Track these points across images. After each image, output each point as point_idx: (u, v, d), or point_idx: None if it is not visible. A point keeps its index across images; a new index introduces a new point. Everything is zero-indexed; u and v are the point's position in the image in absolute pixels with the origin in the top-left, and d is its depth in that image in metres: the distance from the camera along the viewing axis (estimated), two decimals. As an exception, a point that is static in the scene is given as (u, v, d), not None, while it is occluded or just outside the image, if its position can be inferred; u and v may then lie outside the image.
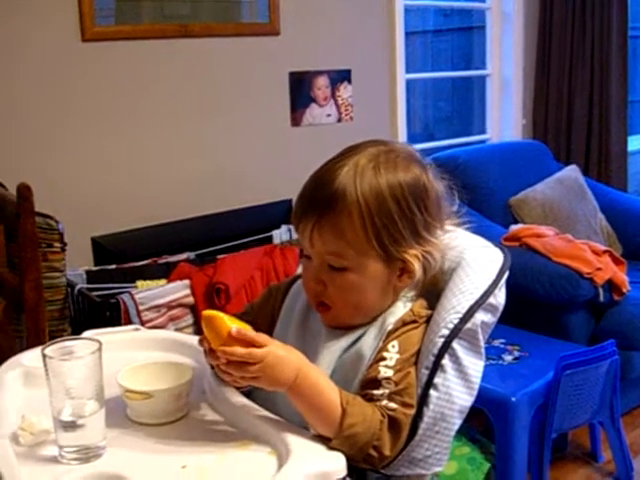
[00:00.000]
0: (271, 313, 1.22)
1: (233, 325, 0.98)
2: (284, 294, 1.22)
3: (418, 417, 1.06)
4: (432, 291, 1.22)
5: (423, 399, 1.07)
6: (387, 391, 1.04)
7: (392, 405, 1.04)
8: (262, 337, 0.99)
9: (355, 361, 1.09)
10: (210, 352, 1.01)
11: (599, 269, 2.80)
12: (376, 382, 1.05)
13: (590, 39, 4.19)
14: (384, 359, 1.07)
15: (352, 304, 1.10)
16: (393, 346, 1.08)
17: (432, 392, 1.08)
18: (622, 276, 2.88)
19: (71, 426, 1.01)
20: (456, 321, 1.09)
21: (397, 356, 1.07)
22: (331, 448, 1.00)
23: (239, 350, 0.97)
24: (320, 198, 1.07)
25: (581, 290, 2.76)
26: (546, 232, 3.08)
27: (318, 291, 1.10)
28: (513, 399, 2.20)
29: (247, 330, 0.99)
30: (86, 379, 1.01)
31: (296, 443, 0.99)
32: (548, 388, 2.26)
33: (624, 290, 2.84)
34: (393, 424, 1.03)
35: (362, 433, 1.00)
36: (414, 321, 1.12)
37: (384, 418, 1.02)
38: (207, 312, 1.00)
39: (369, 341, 1.10)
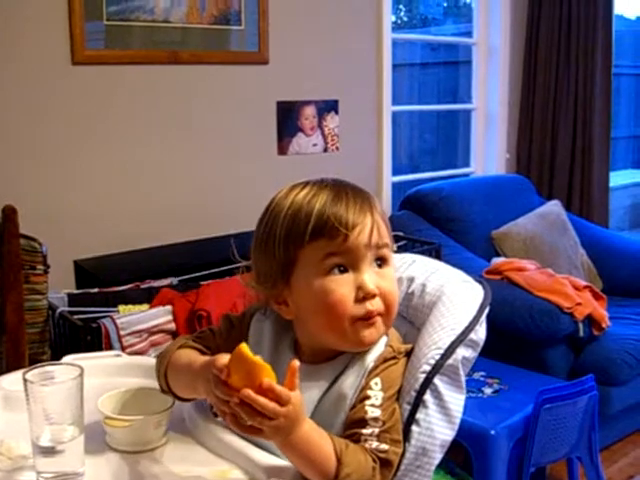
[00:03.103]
0: (236, 347, 1.13)
1: (266, 378, 0.93)
2: (247, 327, 1.19)
3: None
4: (412, 324, 1.23)
5: (405, 434, 1.07)
6: (376, 430, 1.03)
7: (383, 447, 1.02)
8: (286, 394, 0.93)
9: (337, 402, 1.08)
10: (223, 384, 0.95)
11: (579, 304, 2.82)
12: (363, 422, 1.04)
13: (574, 75, 4.25)
14: (369, 398, 1.05)
15: (396, 302, 1.11)
16: (376, 383, 1.07)
17: (414, 427, 1.08)
18: (602, 311, 2.90)
19: (50, 452, 1.00)
20: (437, 357, 1.10)
21: (382, 394, 1.06)
22: None
23: (264, 401, 0.92)
24: (365, 197, 1.10)
25: (561, 325, 2.78)
26: (527, 266, 3.11)
27: (373, 299, 1.06)
28: (492, 432, 2.21)
29: (276, 385, 0.93)
30: (66, 405, 1.00)
31: (275, 474, 0.99)
32: (527, 422, 2.27)
33: (604, 325, 2.86)
34: (385, 465, 1.02)
35: None
36: (394, 357, 1.11)
37: (376, 463, 1.01)
38: (247, 351, 0.94)
39: (350, 380, 1.08)
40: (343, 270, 1.06)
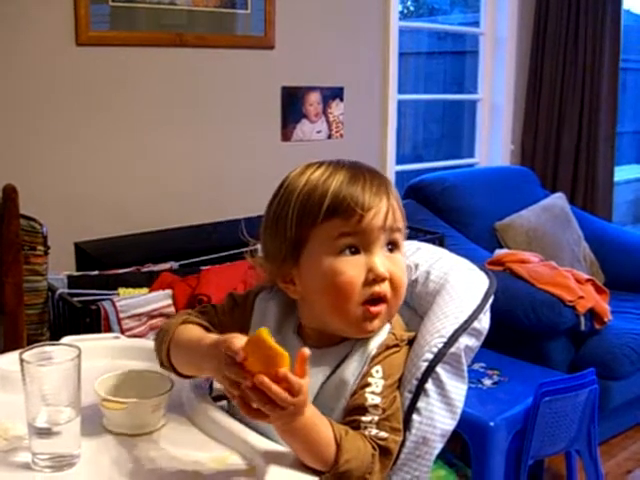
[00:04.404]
0: (239, 326, 1.13)
1: (283, 368, 0.91)
2: (251, 307, 1.18)
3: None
4: (415, 312, 1.22)
5: (406, 423, 1.06)
6: (376, 417, 1.02)
7: (383, 434, 1.02)
8: (298, 385, 0.92)
9: (338, 387, 1.07)
10: (238, 366, 0.92)
11: (581, 297, 2.81)
12: (363, 409, 1.03)
13: (582, 68, 4.23)
14: (369, 385, 1.04)
15: (404, 288, 1.09)
16: (377, 371, 1.06)
17: (415, 416, 1.07)
18: (604, 305, 2.89)
19: (46, 433, 0.99)
20: (440, 345, 1.08)
21: (382, 382, 1.05)
22: None
23: (278, 389, 0.90)
24: (382, 180, 1.08)
25: (563, 317, 2.77)
26: (530, 258, 3.09)
27: (383, 282, 1.05)
28: (491, 424, 2.20)
29: (291, 375, 0.92)
30: (63, 386, 0.99)
31: (274, 459, 0.98)
32: (526, 414, 2.26)
33: (605, 319, 2.85)
34: (384, 453, 1.01)
35: (356, 468, 0.98)
36: (396, 345, 1.10)
37: (375, 450, 1.00)
38: (268, 337, 0.92)
39: (352, 367, 1.07)
40: (354, 251, 1.05)
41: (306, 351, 0.94)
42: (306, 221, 1.05)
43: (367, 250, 1.05)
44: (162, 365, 1.16)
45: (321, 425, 0.98)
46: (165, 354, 1.14)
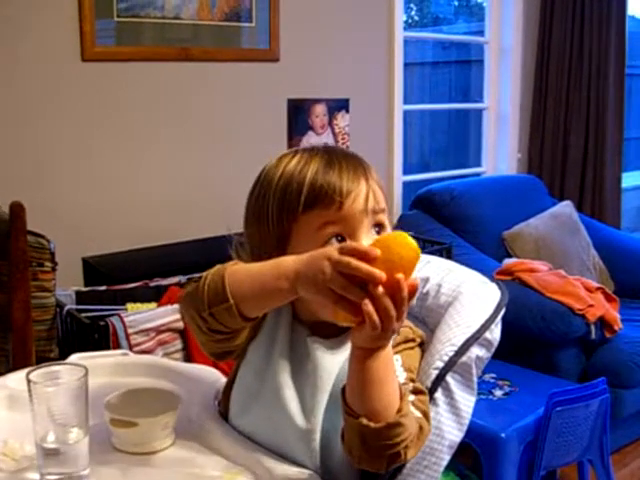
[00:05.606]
0: (255, 323, 1.06)
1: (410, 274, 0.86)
2: None
3: None
4: (427, 324, 1.21)
5: None
6: (410, 397, 0.98)
7: (418, 414, 0.99)
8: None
9: None
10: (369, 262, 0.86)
11: (591, 306, 2.80)
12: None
13: (587, 75, 4.22)
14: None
15: None
16: (397, 359, 1.03)
17: None
18: (614, 314, 2.88)
19: (54, 453, 0.98)
20: (451, 354, 1.08)
21: (402, 369, 1.03)
22: (365, 435, 0.91)
23: (407, 295, 0.85)
24: (358, 163, 1.07)
25: (573, 327, 2.75)
26: (539, 267, 3.08)
27: None
28: (502, 435, 2.19)
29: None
30: (71, 405, 0.99)
31: (282, 476, 0.97)
32: (538, 425, 2.24)
33: (616, 328, 2.84)
34: (420, 431, 0.97)
35: (409, 426, 0.93)
36: (413, 339, 1.09)
37: (417, 424, 0.97)
38: (408, 239, 0.87)
39: None
40: (341, 240, 1.01)
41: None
42: (287, 215, 1.03)
43: (353, 236, 1.01)
44: (209, 311, 0.98)
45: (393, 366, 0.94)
46: (222, 294, 0.97)
